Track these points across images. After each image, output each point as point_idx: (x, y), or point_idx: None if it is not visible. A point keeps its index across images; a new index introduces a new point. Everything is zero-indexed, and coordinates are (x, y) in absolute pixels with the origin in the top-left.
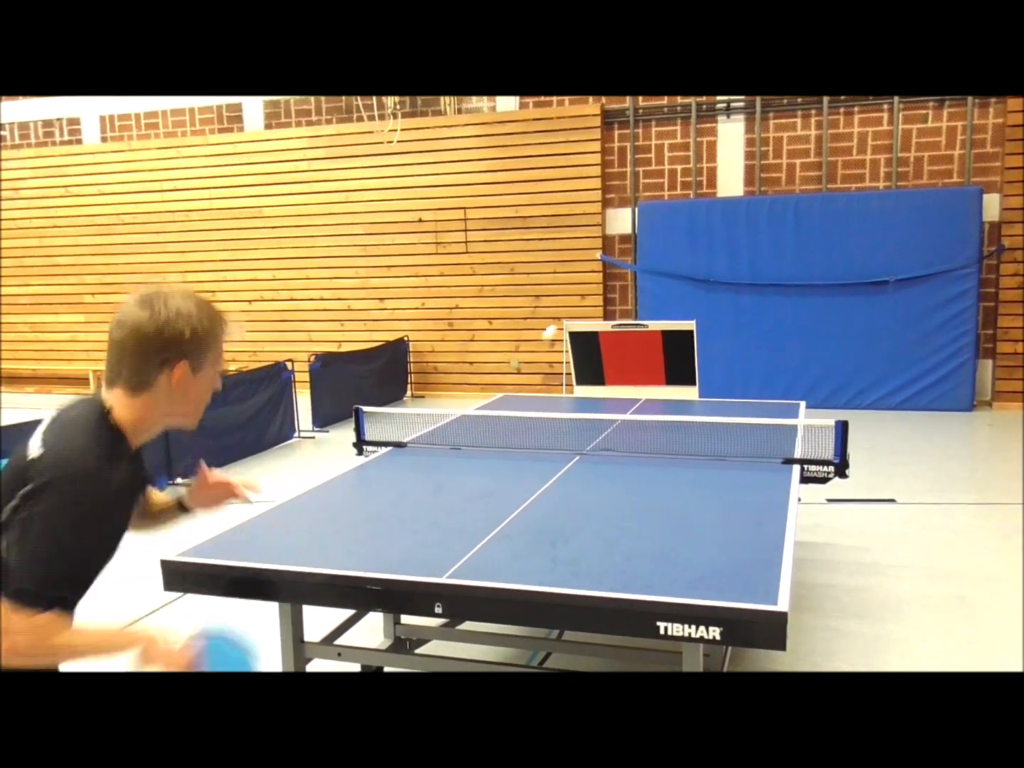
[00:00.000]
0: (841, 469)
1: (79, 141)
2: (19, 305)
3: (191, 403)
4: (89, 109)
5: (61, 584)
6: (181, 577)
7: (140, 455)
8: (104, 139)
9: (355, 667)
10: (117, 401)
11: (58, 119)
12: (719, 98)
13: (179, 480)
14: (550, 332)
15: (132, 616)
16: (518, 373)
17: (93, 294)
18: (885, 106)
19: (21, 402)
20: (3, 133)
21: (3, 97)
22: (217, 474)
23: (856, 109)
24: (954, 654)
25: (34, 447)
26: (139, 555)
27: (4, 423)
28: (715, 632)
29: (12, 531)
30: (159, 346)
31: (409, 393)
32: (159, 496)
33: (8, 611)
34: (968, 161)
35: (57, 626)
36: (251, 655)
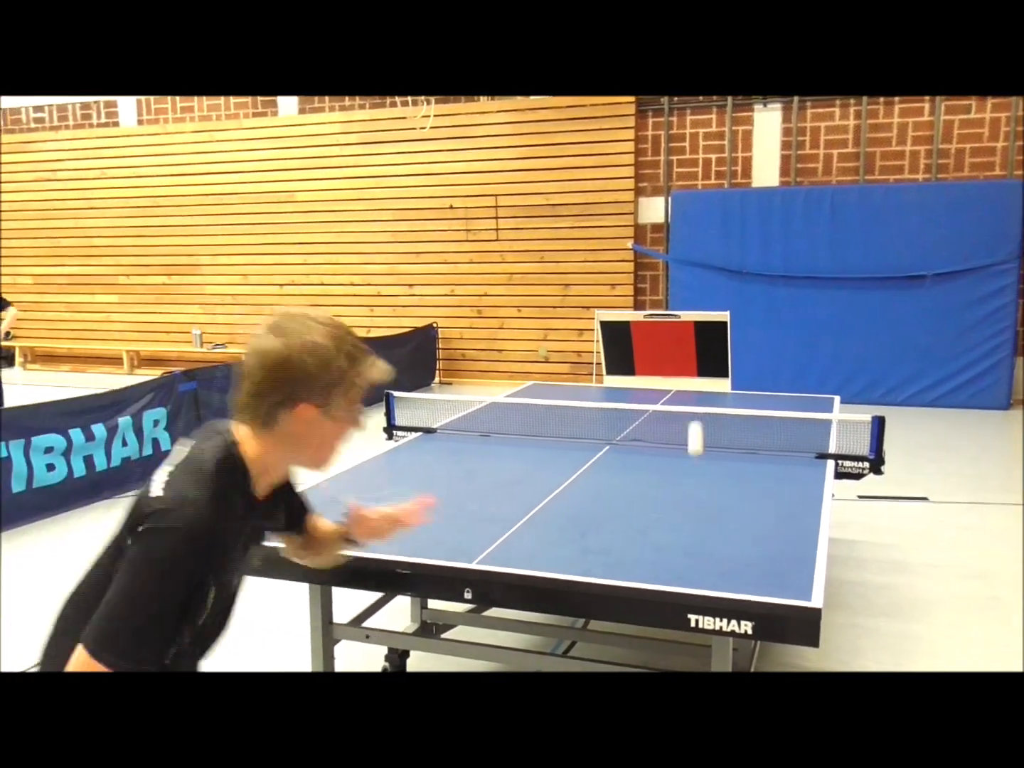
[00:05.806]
0: (876, 465)
1: (116, 124)
2: (56, 285)
3: (319, 448)
4: None
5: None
6: None
7: (275, 499)
8: (140, 122)
9: (381, 649)
10: (244, 436)
11: (95, 102)
12: None
13: None
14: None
15: None
16: (546, 361)
17: (128, 275)
18: (926, 97)
19: (55, 380)
20: (42, 115)
21: None
22: (377, 510)
23: (896, 100)
24: (984, 654)
25: (157, 484)
26: None
27: (36, 401)
28: (747, 627)
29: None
30: (282, 381)
31: (437, 379)
32: (325, 525)
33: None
34: (1011, 154)
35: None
36: None
